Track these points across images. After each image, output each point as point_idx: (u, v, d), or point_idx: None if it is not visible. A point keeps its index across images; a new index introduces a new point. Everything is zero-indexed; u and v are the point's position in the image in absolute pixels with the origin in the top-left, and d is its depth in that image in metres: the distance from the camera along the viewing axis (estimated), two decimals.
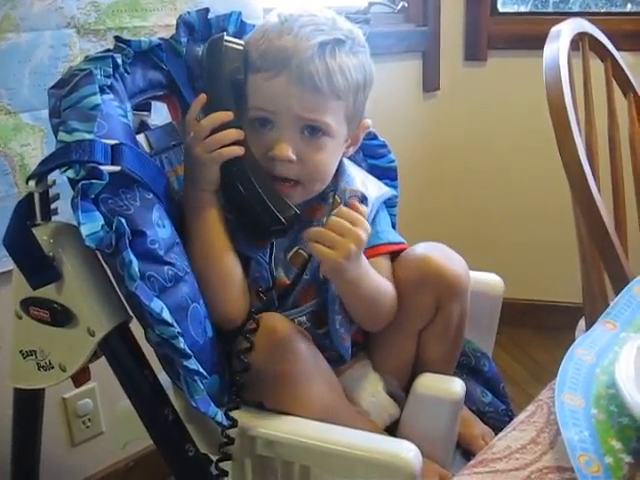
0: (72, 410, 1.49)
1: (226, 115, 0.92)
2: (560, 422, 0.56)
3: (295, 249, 0.99)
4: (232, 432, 0.87)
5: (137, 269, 0.78)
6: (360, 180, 1.05)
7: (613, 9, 2.38)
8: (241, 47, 0.96)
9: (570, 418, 0.56)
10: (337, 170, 1.04)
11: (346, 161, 1.07)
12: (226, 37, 0.95)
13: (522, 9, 2.43)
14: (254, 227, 0.95)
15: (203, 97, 0.93)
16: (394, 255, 1.06)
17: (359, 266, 0.92)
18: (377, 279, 0.98)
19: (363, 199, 1.01)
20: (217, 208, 0.94)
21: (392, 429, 1.03)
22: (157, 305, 0.79)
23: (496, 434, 1.08)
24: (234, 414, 0.87)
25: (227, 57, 0.94)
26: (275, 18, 0.97)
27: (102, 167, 0.79)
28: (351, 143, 1.05)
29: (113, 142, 0.83)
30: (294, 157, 0.94)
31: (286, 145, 0.94)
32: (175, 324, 0.80)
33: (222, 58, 0.94)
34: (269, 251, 0.97)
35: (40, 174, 0.80)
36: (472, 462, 0.55)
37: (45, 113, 1.26)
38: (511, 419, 1.15)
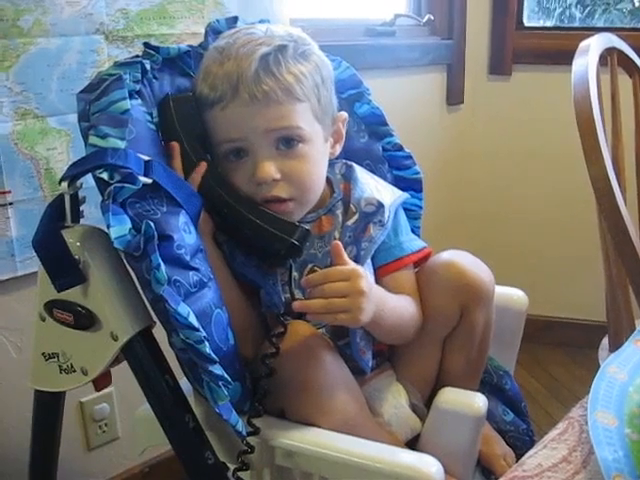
0: (89, 414, 1.49)
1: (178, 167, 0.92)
2: (594, 441, 0.55)
3: (310, 266, 0.99)
4: (252, 441, 0.86)
5: (165, 273, 0.78)
6: (374, 186, 1.04)
7: (639, 25, 2.37)
8: (189, 94, 0.96)
9: (604, 437, 0.55)
10: (349, 179, 1.04)
11: (357, 167, 1.06)
12: (171, 95, 0.95)
13: (547, 24, 2.42)
14: (269, 257, 0.94)
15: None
16: (419, 261, 1.06)
17: (373, 308, 0.89)
18: (397, 307, 0.97)
19: (379, 206, 1.00)
20: (216, 254, 0.94)
21: (412, 443, 1.02)
22: (184, 309, 0.79)
23: (516, 453, 1.09)
24: (256, 422, 0.86)
25: (178, 111, 0.94)
26: (213, 51, 0.96)
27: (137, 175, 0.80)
28: (335, 140, 1.04)
29: (147, 158, 0.83)
30: (278, 175, 0.93)
31: (267, 164, 0.93)
32: (201, 329, 0.80)
33: (173, 115, 0.94)
34: (288, 273, 0.95)
35: (73, 176, 0.80)
36: (502, 479, 0.54)
37: (72, 118, 1.28)
38: (532, 439, 1.14)
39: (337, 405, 0.89)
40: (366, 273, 0.90)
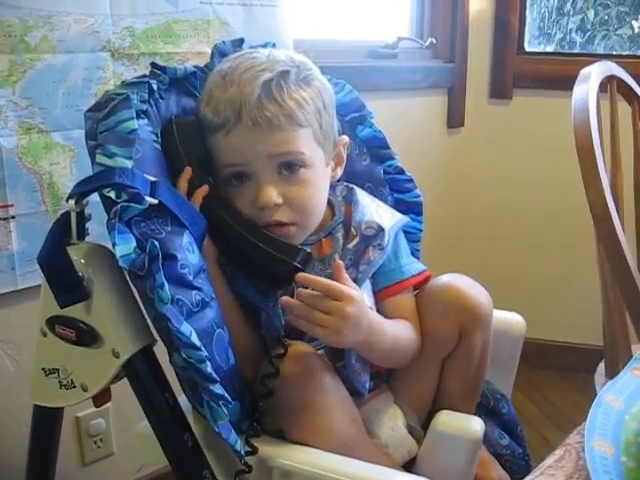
0: (84, 429, 1.49)
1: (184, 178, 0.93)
2: (590, 469, 0.55)
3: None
4: (250, 460, 0.86)
5: (168, 292, 0.78)
6: (374, 210, 1.04)
7: (638, 52, 2.39)
8: (192, 118, 0.97)
9: (600, 465, 0.56)
10: (350, 202, 1.04)
11: (358, 190, 1.07)
12: (174, 119, 0.96)
13: (548, 49, 2.45)
14: (271, 279, 0.94)
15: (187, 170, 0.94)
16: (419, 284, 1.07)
17: (359, 331, 0.89)
18: (392, 333, 0.97)
19: (379, 230, 1.01)
20: (219, 278, 0.94)
21: (409, 465, 1.02)
22: (186, 329, 0.79)
23: (512, 478, 1.09)
24: (254, 442, 0.86)
25: (181, 135, 0.94)
26: (216, 76, 0.97)
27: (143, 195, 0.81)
28: (336, 164, 1.05)
29: (153, 179, 0.84)
30: (280, 200, 0.94)
31: (269, 189, 0.94)
32: (203, 348, 0.80)
33: (176, 139, 0.94)
34: (290, 295, 0.93)
35: (81, 194, 0.81)
36: None
37: (76, 133, 1.30)
38: (528, 463, 1.14)
39: (334, 426, 0.89)
40: (362, 299, 0.90)
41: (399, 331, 0.99)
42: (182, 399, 0.89)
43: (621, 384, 0.70)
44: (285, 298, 0.88)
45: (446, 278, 1.05)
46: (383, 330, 0.95)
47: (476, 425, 0.98)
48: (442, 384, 1.05)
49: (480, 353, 1.03)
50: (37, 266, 0.83)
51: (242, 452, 0.84)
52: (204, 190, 0.94)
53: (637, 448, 0.59)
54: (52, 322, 0.86)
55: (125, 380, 0.87)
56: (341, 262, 0.91)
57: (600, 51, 2.39)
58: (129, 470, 1.55)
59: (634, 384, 0.70)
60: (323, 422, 0.88)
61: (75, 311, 0.83)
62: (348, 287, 0.89)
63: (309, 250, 0.94)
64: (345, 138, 1.06)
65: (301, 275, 0.88)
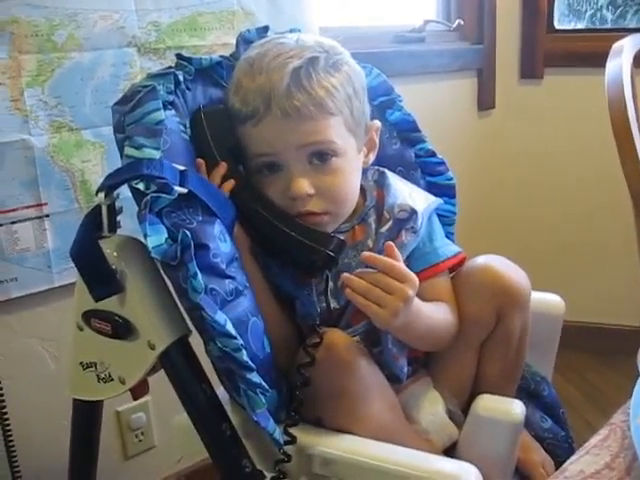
0: (125, 423, 1.50)
1: (219, 173, 0.93)
2: (637, 447, 0.54)
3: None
4: (289, 449, 0.86)
5: (202, 281, 0.78)
6: (407, 193, 1.03)
7: None
8: (221, 107, 0.96)
9: None
10: (382, 186, 1.03)
11: (389, 174, 1.05)
12: (202, 108, 0.95)
13: (579, 26, 2.40)
14: (304, 268, 0.94)
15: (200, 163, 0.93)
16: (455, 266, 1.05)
17: (408, 315, 0.89)
18: (432, 316, 0.96)
19: (412, 213, 0.99)
20: (254, 268, 0.94)
21: (450, 450, 1.01)
22: (221, 317, 0.79)
23: (555, 461, 1.08)
24: (293, 431, 0.86)
25: (210, 124, 0.94)
26: (244, 63, 0.96)
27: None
28: (369, 150, 1.03)
29: (182, 168, 0.84)
30: (312, 191, 0.93)
31: (301, 180, 0.92)
32: (238, 337, 0.80)
33: (205, 128, 0.94)
34: (324, 283, 0.96)
35: (110, 187, 0.81)
36: None
37: (106, 130, 1.30)
38: (571, 446, 1.12)
39: (373, 412, 0.88)
40: (417, 283, 0.88)
41: (436, 314, 0.97)
42: (220, 391, 0.89)
43: None
44: (346, 274, 0.87)
45: (482, 259, 1.03)
46: (421, 313, 0.94)
47: (517, 408, 0.96)
48: (481, 368, 1.04)
49: (519, 335, 1.02)
50: (73, 264, 0.84)
51: (281, 440, 0.84)
52: (231, 184, 0.93)
53: None
54: (88, 316, 0.87)
55: (163, 373, 0.87)
56: (392, 244, 0.89)
57: (633, 26, 2.33)
58: (170, 462, 1.56)
59: None
60: (361, 409, 0.88)
61: (110, 304, 0.84)
62: (408, 270, 0.88)
63: (342, 238, 0.93)
64: (377, 123, 1.04)
65: (366, 254, 0.87)
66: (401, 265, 0.87)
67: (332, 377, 0.87)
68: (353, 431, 0.87)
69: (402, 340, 0.96)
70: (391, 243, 0.89)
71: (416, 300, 0.93)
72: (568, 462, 0.57)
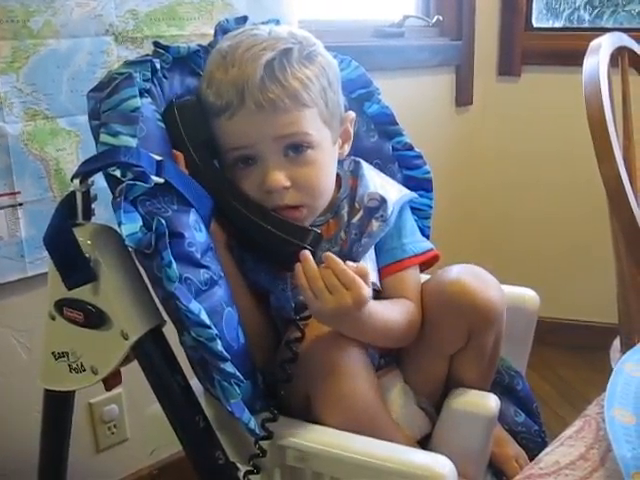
0: (98, 415, 1.49)
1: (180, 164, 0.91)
2: (612, 438, 0.54)
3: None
4: (264, 443, 0.85)
5: (176, 270, 0.77)
6: (379, 183, 1.02)
7: None
8: (194, 100, 0.95)
9: (622, 434, 0.54)
10: (356, 175, 1.03)
11: (364, 164, 1.05)
12: (175, 102, 0.93)
13: (556, 24, 2.41)
14: (282, 262, 0.93)
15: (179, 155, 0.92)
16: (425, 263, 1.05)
17: (344, 326, 0.88)
18: (384, 319, 0.93)
19: (382, 201, 0.99)
20: (230, 263, 0.93)
21: (423, 444, 1.01)
22: (195, 307, 0.79)
23: (528, 455, 1.08)
24: (269, 426, 0.86)
25: (183, 118, 0.92)
26: (217, 56, 0.94)
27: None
28: (344, 141, 1.03)
29: (159, 157, 0.83)
30: (288, 183, 0.92)
31: (276, 173, 0.92)
32: (212, 326, 0.79)
33: (178, 122, 0.92)
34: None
35: (85, 173, 0.80)
36: (519, 477, 0.53)
37: (81, 119, 1.28)
38: (544, 440, 1.13)
39: (358, 391, 0.88)
40: (368, 298, 0.86)
41: (391, 315, 0.95)
42: (194, 383, 0.88)
43: None
44: (298, 265, 0.86)
45: (455, 273, 0.98)
46: (372, 315, 0.90)
47: (491, 402, 0.97)
48: (454, 373, 1.02)
49: (492, 349, 1.00)
50: (46, 253, 0.82)
51: (256, 431, 0.83)
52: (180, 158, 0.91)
53: None
54: (60, 305, 0.86)
55: (137, 364, 0.86)
56: (328, 254, 0.87)
57: (609, 26, 2.35)
58: (144, 455, 1.55)
59: None
60: (348, 385, 0.87)
61: (83, 293, 0.83)
62: (362, 283, 0.85)
63: (319, 231, 0.93)
64: (352, 114, 1.04)
65: (326, 253, 0.86)
66: (351, 273, 0.84)
67: (322, 353, 0.87)
68: (337, 408, 0.87)
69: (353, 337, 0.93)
70: (328, 254, 0.87)
71: (370, 305, 0.90)
72: (543, 453, 0.57)
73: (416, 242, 1.04)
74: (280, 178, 0.92)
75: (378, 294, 1.00)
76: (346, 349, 0.88)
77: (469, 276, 0.97)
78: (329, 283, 0.84)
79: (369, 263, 0.98)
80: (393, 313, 0.96)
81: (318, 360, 0.87)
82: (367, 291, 0.85)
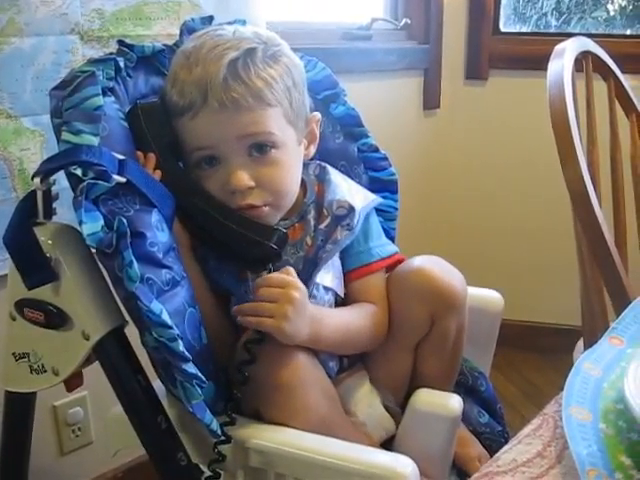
0: (62, 418, 1.47)
1: (150, 165, 0.91)
2: (568, 436, 0.55)
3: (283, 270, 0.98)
4: (224, 447, 0.85)
5: (137, 270, 0.77)
6: (346, 189, 1.02)
7: (614, 32, 2.39)
8: (158, 101, 0.94)
9: (578, 432, 0.55)
10: (323, 180, 1.03)
11: (331, 169, 1.05)
12: (139, 104, 0.93)
13: (524, 29, 2.44)
14: (247, 262, 0.93)
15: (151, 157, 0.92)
16: (390, 266, 1.05)
17: (305, 322, 0.88)
18: (341, 323, 0.95)
19: (350, 210, 0.99)
20: (193, 266, 0.93)
21: (387, 444, 1.01)
22: (156, 307, 0.78)
23: (491, 455, 1.08)
24: (228, 430, 0.85)
25: (147, 120, 0.92)
26: (180, 56, 0.94)
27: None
28: (309, 142, 1.03)
29: (121, 157, 0.83)
30: (252, 183, 0.92)
31: (240, 173, 0.91)
32: (174, 327, 0.79)
33: (142, 124, 0.92)
34: None
35: (46, 172, 0.79)
36: (477, 475, 0.54)
37: (46, 118, 1.25)
38: (507, 441, 1.13)
39: (311, 404, 0.88)
40: (303, 288, 0.88)
41: (353, 319, 0.96)
42: (156, 384, 0.87)
43: (598, 352, 0.69)
44: (236, 307, 0.88)
45: (418, 262, 1.01)
46: (329, 320, 0.93)
47: (455, 402, 0.97)
48: (418, 367, 1.04)
49: (455, 337, 1.01)
50: (7, 254, 0.81)
51: (218, 432, 0.83)
52: (159, 174, 0.91)
53: (615, 415, 0.59)
54: (21, 305, 0.85)
55: (99, 365, 0.85)
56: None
57: (576, 32, 2.38)
58: (108, 458, 1.51)
59: (612, 352, 0.69)
60: (299, 401, 0.87)
61: (43, 293, 0.82)
62: (289, 276, 0.88)
63: (285, 230, 0.93)
64: (317, 115, 1.04)
65: (235, 308, 0.89)
66: (276, 274, 0.87)
67: (270, 369, 0.87)
68: (292, 423, 0.87)
69: (316, 349, 0.94)
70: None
71: (321, 310, 0.93)
72: (501, 451, 0.57)
73: (382, 245, 1.05)
74: (244, 178, 0.91)
75: (343, 301, 1.01)
76: (295, 363, 0.88)
77: (432, 264, 0.99)
78: (267, 296, 0.86)
79: (332, 269, 0.99)
80: (355, 317, 0.97)
81: (267, 377, 0.86)
82: (298, 280, 0.88)
